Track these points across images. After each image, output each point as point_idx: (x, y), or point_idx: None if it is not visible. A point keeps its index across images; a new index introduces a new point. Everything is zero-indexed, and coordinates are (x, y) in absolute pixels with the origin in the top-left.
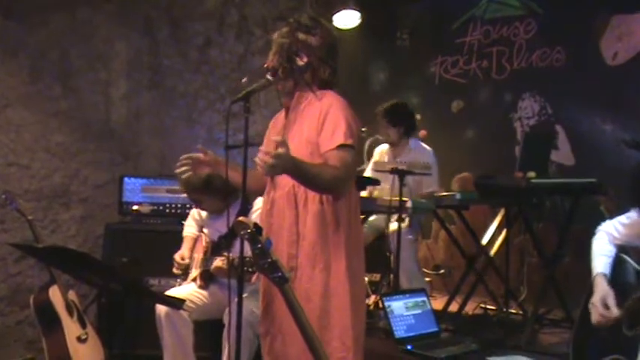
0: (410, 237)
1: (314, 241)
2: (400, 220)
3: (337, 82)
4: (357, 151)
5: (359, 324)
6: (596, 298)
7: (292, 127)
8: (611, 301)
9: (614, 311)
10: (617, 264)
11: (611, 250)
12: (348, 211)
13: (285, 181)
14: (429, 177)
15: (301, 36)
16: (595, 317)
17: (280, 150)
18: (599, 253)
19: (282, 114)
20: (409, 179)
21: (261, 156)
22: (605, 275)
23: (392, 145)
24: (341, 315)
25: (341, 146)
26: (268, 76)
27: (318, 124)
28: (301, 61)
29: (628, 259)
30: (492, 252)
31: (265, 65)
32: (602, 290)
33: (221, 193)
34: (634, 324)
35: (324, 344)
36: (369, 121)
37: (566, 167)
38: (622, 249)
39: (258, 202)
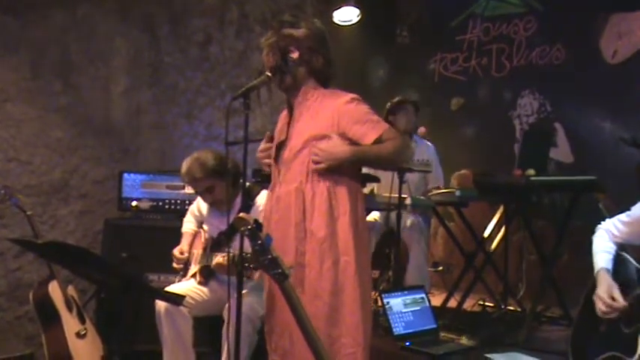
0: (427, 232)
1: (322, 237)
2: (399, 216)
3: (334, 74)
4: None
5: (368, 320)
6: (601, 290)
7: (297, 123)
8: (617, 292)
9: (621, 301)
10: (618, 262)
11: (612, 247)
12: (355, 206)
13: (292, 177)
14: (433, 173)
15: (286, 31)
16: (601, 308)
17: (319, 146)
18: (600, 249)
19: (286, 111)
20: (411, 176)
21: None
22: (608, 270)
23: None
24: (351, 311)
25: (385, 131)
26: (268, 73)
27: (336, 124)
28: (293, 55)
29: (628, 257)
30: (491, 249)
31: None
32: (606, 283)
33: (232, 177)
34: (632, 321)
35: (334, 340)
36: None
37: (565, 165)
38: (622, 247)
39: (261, 199)
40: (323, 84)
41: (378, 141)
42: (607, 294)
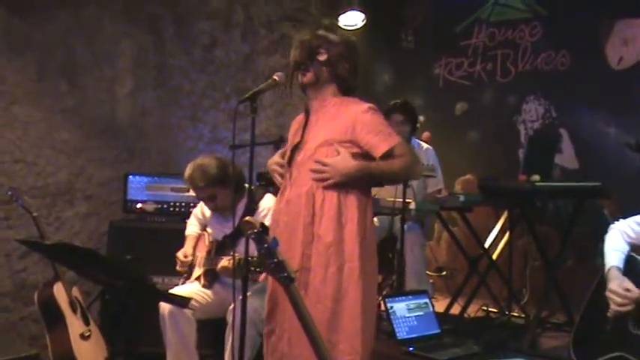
0: (422, 238)
1: (329, 242)
2: (404, 221)
3: (357, 86)
4: None
5: (369, 329)
6: (613, 286)
7: (313, 128)
8: (630, 284)
9: (636, 291)
10: (630, 263)
11: (625, 248)
12: (364, 214)
13: (302, 181)
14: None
15: (321, 32)
16: (616, 300)
17: (326, 161)
18: (612, 248)
19: (301, 116)
20: (413, 180)
21: (315, 167)
22: (619, 268)
23: None
24: (351, 318)
25: (397, 144)
26: (275, 77)
27: (351, 130)
28: (321, 57)
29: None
30: (495, 254)
31: (290, 60)
32: (617, 278)
33: (234, 184)
34: None
35: (332, 346)
36: None
37: (569, 171)
38: (633, 248)
39: (264, 203)
40: (344, 92)
41: (389, 153)
42: (620, 287)
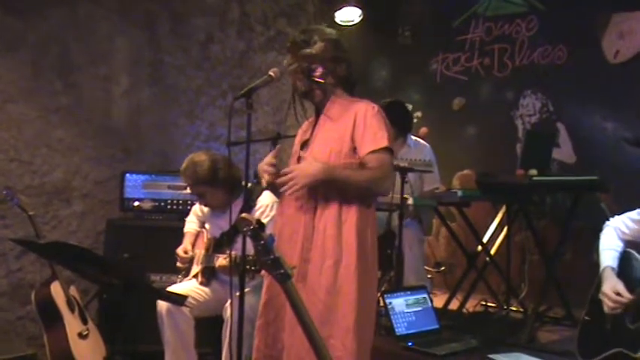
0: (421, 235)
1: (328, 236)
2: (402, 217)
3: (357, 79)
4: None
5: (367, 327)
6: (606, 288)
7: (321, 129)
8: (622, 288)
9: (627, 296)
10: (625, 259)
11: (619, 245)
12: (364, 212)
13: None
14: (430, 174)
15: (304, 52)
16: (608, 304)
17: (294, 167)
18: (607, 247)
19: (312, 119)
20: (410, 176)
21: (285, 179)
22: (613, 268)
23: None
24: (344, 314)
25: (382, 149)
26: (271, 73)
27: (352, 125)
28: (317, 72)
29: (635, 254)
30: (493, 249)
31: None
32: (611, 280)
33: (225, 187)
34: (638, 317)
35: (323, 340)
36: None
37: (567, 165)
38: (629, 244)
39: (262, 200)
40: (350, 89)
41: (366, 158)
42: (612, 290)
